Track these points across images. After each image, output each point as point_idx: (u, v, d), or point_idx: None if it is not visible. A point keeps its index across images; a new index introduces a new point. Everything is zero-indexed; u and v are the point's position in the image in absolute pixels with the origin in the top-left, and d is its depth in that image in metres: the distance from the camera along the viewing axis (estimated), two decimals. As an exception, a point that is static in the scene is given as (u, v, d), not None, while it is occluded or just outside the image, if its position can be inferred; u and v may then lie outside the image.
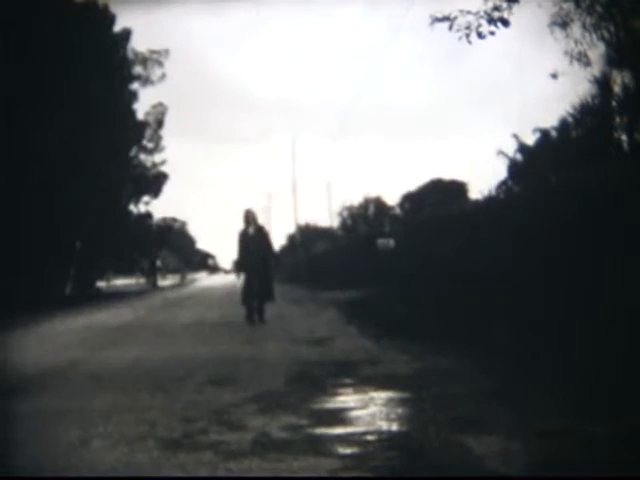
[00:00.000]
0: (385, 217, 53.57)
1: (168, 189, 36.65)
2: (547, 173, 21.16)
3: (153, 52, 33.27)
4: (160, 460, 4.12)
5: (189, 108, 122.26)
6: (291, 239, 66.72)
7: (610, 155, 17.79)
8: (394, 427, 4.81)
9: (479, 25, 9.88)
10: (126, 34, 30.93)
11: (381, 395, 5.85)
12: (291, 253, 60.66)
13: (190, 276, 75.49)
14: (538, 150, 25.62)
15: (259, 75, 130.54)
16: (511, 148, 28.32)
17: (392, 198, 65.40)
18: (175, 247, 67.03)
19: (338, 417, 5.10)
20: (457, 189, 49.05)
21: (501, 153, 28.57)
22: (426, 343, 8.82)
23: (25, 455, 4.33)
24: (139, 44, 32.67)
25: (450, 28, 9.95)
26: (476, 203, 17.41)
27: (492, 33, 9.92)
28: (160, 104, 34.89)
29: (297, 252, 53.90)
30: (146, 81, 33.22)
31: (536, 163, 24.30)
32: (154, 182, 35.45)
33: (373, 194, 63.01)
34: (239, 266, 13.22)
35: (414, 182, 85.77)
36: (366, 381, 6.50)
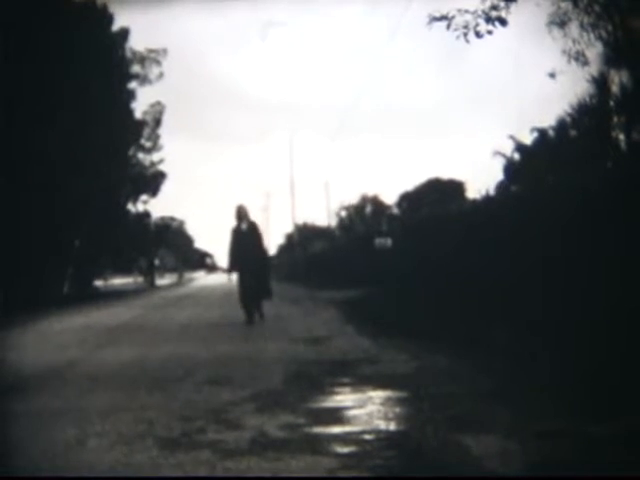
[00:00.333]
0: (383, 216, 53.63)
1: (166, 188, 36.66)
2: (545, 173, 21.19)
3: (151, 51, 33.25)
4: (158, 459, 4.12)
5: (187, 107, 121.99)
6: (289, 238, 66.69)
7: (608, 155, 17.82)
8: (392, 426, 4.81)
9: (477, 24, 9.90)
10: (124, 33, 30.89)
11: (379, 394, 5.85)
12: (289, 252, 60.67)
13: (188, 275, 75.45)
14: (536, 150, 25.66)
15: (257, 74, 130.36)
16: (509, 148, 28.40)
17: (390, 197, 65.57)
18: (173, 246, 67.02)
19: (336, 416, 5.10)
20: (455, 188, 49.13)
21: (497, 153, 28.63)
22: (424, 342, 8.82)
23: (24, 455, 4.33)
24: (137, 43, 32.65)
25: (448, 27, 9.97)
26: (474, 203, 17.44)
27: (490, 32, 9.93)
28: (158, 103, 34.89)
29: (295, 251, 53.89)
30: (144, 80, 33.19)
31: (534, 163, 24.34)
32: (152, 181, 35.42)
33: (371, 193, 63.12)
34: (230, 264, 12.87)
35: (412, 181, 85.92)
36: (364, 380, 6.50)
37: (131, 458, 4.16)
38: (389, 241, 22.05)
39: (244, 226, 12.60)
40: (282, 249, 73.86)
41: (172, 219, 58.52)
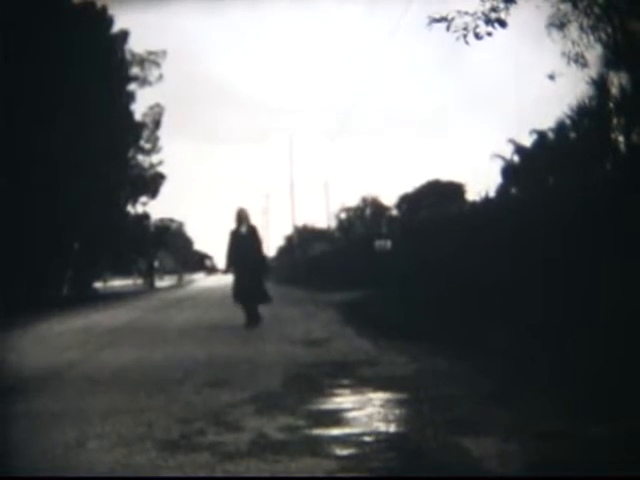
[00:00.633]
0: (382, 218, 53.62)
1: (165, 190, 36.59)
2: (544, 175, 21.19)
3: (150, 53, 33.29)
4: (158, 461, 4.12)
5: (186, 108, 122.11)
6: (288, 240, 66.67)
7: (607, 157, 17.81)
8: (392, 428, 4.81)
9: (476, 26, 9.89)
10: (123, 35, 30.92)
11: (379, 396, 5.85)
12: (288, 254, 60.65)
13: (187, 277, 75.47)
14: (535, 152, 25.66)
15: (257, 76, 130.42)
16: (508, 150, 28.39)
17: (389, 199, 65.53)
18: (172, 248, 66.98)
19: (335, 418, 5.10)
20: (454, 190, 49.08)
21: (496, 156, 28.63)
22: (424, 344, 8.81)
23: (23, 456, 4.33)
24: (136, 45, 32.68)
25: (448, 29, 9.96)
26: (473, 205, 17.43)
27: (489, 34, 9.93)
28: (157, 105, 34.90)
29: (295, 253, 53.87)
30: (143, 82, 33.22)
31: (533, 165, 24.34)
32: (151, 183, 35.41)
33: (370, 195, 63.08)
34: (227, 265, 12.79)
35: (411, 183, 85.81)
36: (364, 382, 6.50)
37: (131, 460, 4.16)
38: (389, 243, 22.06)
39: (243, 229, 12.47)
40: (282, 251, 73.88)
41: (171, 221, 58.48)
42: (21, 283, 23.01)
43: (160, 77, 33.55)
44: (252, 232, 12.66)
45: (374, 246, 22.43)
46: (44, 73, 23.01)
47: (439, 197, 43.43)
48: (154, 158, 35.78)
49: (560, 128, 23.72)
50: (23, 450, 4.45)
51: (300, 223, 63.39)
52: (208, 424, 4.98)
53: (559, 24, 13.33)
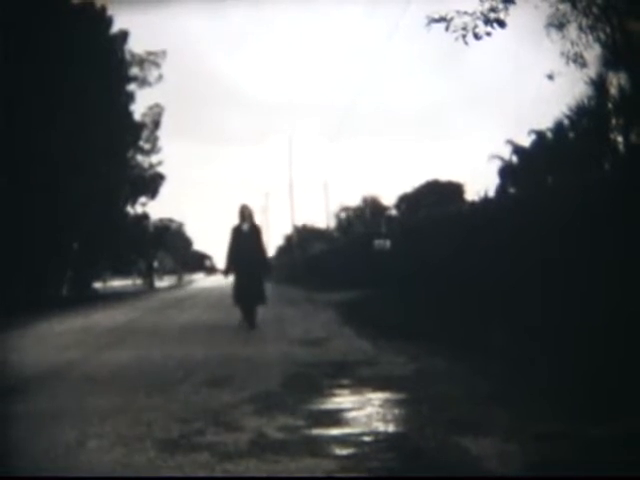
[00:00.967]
0: (382, 218, 53.62)
1: (165, 190, 36.57)
2: (543, 175, 21.22)
3: (150, 53, 33.29)
4: (157, 461, 4.13)
5: (186, 109, 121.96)
6: (288, 240, 66.68)
7: (606, 157, 17.84)
8: (391, 428, 4.81)
9: (475, 26, 9.90)
10: (123, 35, 30.92)
11: (378, 396, 5.85)
12: (288, 254, 60.66)
13: (187, 277, 75.46)
14: (534, 152, 25.70)
15: (256, 76, 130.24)
16: (507, 150, 28.45)
17: (389, 199, 65.55)
18: (172, 248, 66.94)
19: (335, 418, 5.11)
20: (453, 190, 49.11)
21: (495, 157, 28.69)
22: (423, 344, 8.81)
23: (23, 456, 4.33)
24: (136, 45, 32.68)
25: (447, 29, 9.97)
26: (472, 205, 17.45)
27: (488, 34, 9.94)
28: (157, 105, 34.90)
29: (294, 253, 53.88)
30: (143, 82, 33.22)
31: (532, 165, 24.37)
32: (151, 183, 35.40)
33: (370, 195, 63.10)
34: (227, 265, 12.49)
35: (410, 183, 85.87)
36: (363, 382, 6.50)
37: (130, 459, 4.17)
38: (388, 243, 22.06)
39: (245, 227, 12.24)
40: (281, 250, 73.85)
41: (171, 221, 58.39)
42: (20, 283, 23.00)
43: (160, 77, 33.60)
44: (255, 231, 12.44)
45: (373, 246, 22.43)
46: (44, 73, 23.01)
47: (438, 197, 43.47)
48: (153, 158, 35.81)
49: (559, 128, 23.77)
50: (23, 450, 4.46)
51: (300, 223, 63.52)
52: (207, 424, 4.99)
53: (558, 24, 13.33)
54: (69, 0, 26.13)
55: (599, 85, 18.45)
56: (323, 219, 75.30)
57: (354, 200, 64.61)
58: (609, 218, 8.20)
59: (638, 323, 6.74)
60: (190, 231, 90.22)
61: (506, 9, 10.01)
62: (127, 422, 5.10)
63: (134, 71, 32.88)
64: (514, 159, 28.30)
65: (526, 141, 27.14)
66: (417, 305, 13.40)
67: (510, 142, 28.05)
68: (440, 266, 13.83)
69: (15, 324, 14.01)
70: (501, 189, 27.04)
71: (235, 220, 12.38)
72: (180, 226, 72.56)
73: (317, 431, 4.74)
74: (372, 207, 62.28)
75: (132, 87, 32.75)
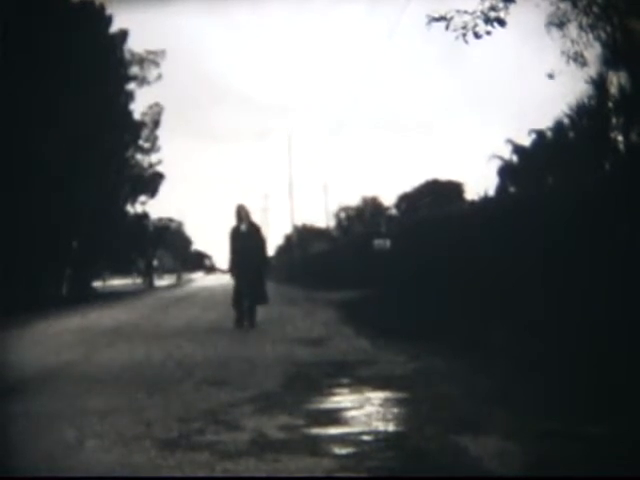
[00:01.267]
0: (381, 218, 53.61)
1: (164, 189, 36.56)
2: (543, 175, 21.22)
3: (149, 52, 33.26)
4: (157, 460, 4.12)
5: (186, 108, 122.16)
6: (288, 239, 66.68)
7: (606, 156, 17.83)
8: (390, 427, 4.80)
9: (475, 25, 9.89)
10: (123, 34, 30.90)
11: (378, 395, 5.84)
12: (288, 254, 60.66)
13: (186, 276, 75.43)
14: (534, 151, 25.70)
15: (256, 75, 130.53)
16: (507, 150, 28.45)
17: (388, 198, 65.55)
18: (171, 247, 67.02)
19: (334, 417, 5.10)
20: (453, 190, 49.13)
21: (495, 156, 28.68)
22: (423, 344, 8.81)
23: (23, 456, 4.32)
24: (135, 44, 32.66)
25: (447, 28, 9.96)
26: (472, 204, 17.44)
27: (488, 33, 9.93)
28: (156, 104, 34.86)
29: (294, 253, 53.89)
30: (142, 81, 33.20)
31: (532, 165, 24.36)
32: (151, 182, 35.38)
33: (369, 194, 63.12)
34: (231, 266, 12.49)
35: (410, 183, 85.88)
36: (362, 381, 6.50)
37: (130, 459, 4.16)
38: (388, 242, 22.04)
39: (244, 227, 12.26)
40: (281, 250, 73.85)
41: (170, 220, 58.43)
42: (19, 282, 22.97)
43: (159, 77, 33.56)
44: (254, 230, 12.46)
45: (373, 245, 22.41)
46: (43, 72, 22.99)
47: (438, 196, 43.46)
48: (153, 157, 35.79)
49: (559, 127, 23.76)
50: (23, 450, 4.45)
51: (299, 222, 63.51)
52: (207, 423, 4.98)
53: (558, 23, 13.33)
54: (68, -1, 26.12)
55: (599, 84, 18.44)
56: (323, 219, 75.26)
57: (354, 200, 64.62)
58: (609, 217, 8.19)
59: (639, 321, 6.73)
60: (190, 230, 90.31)
61: (506, 8, 10.01)
62: (127, 422, 5.09)
63: (134, 70, 32.87)
64: (514, 159, 28.29)
65: (526, 140, 27.14)
66: (417, 304, 13.40)
67: (510, 141, 28.05)
68: (440, 265, 13.82)
69: (14, 323, 13.99)
70: (501, 189, 27.04)
71: (234, 221, 12.41)
72: (180, 225, 72.62)
73: (317, 430, 4.74)
74: (372, 207, 62.27)
75: (132, 86, 32.75)
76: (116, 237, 31.23)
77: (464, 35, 9.92)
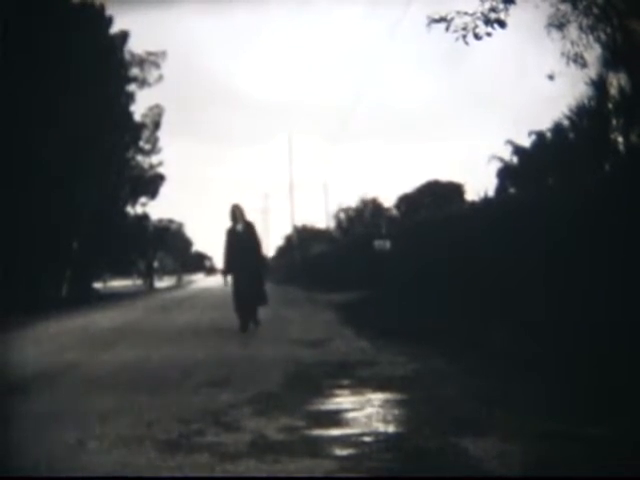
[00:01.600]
0: (382, 218, 53.62)
1: (165, 190, 36.63)
2: (543, 176, 21.22)
3: (150, 54, 33.28)
4: (157, 461, 4.12)
5: (186, 109, 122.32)
6: (288, 240, 66.68)
7: (606, 157, 17.83)
8: (391, 429, 4.80)
9: (476, 26, 9.90)
10: (123, 36, 30.94)
11: (378, 396, 5.84)
12: (288, 254, 60.67)
13: (187, 278, 75.46)
14: (534, 153, 25.69)
15: (257, 76, 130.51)
16: (507, 151, 28.44)
17: (388, 199, 65.57)
18: (172, 249, 67.06)
19: (335, 418, 5.10)
20: (454, 191, 49.13)
21: (494, 158, 28.68)
22: (423, 345, 8.81)
23: (23, 456, 4.32)
24: (136, 45, 32.69)
25: (447, 29, 9.96)
26: (473, 205, 17.44)
27: (489, 34, 9.94)
28: (157, 106, 34.91)
29: (294, 253, 53.88)
30: (143, 83, 33.22)
31: (532, 166, 24.36)
32: (151, 183, 35.41)
33: (370, 195, 63.12)
34: (225, 267, 12.29)
35: (410, 184, 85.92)
36: (363, 382, 6.50)
37: (130, 460, 4.16)
38: (388, 243, 22.03)
39: (240, 227, 12.09)
40: (281, 251, 73.89)
41: (171, 221, 58.65)
42: (20, 283, 22.98)
43: (160, 78, 33.59)
44: (249, 230, 12.27)
45: (373, 246, 22.40)
46: (43, 73, 23.00)
47: (438, 197, 43.48)
48: (154, 159, 35.84)
49: (559, 129, 23.75)
50: (23, 450, 4.45)
51: (299, 223, 63.49)
52: (207, 424, 4.98)
53: (558, 24, 13.32)
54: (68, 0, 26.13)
55: (599, 85, 18.44)
56: (323, 219, 75.30)
57: (354, 200, 64.59)
58: (610, 218, 8.19)
59: (639, 322, 6.73)
60: (190, 231, 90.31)
61: (506, 9, 10.01)
62: (127, 422, 5.09)
63: (134, 71, 32.90)
64: (514, 160, 28.29)
65: (526, 141, 27.14)
66: (417, 305, 13.40)
67: (510, 142, 28.04)
68: (440, 266, 13.82)
69: (14, 324, 14.01)
70: (501, 190, 27.04)
71: (229, 221, 12.24)
72: (180, 226, 72.80)
73: (317, 432, 4.74)
74: (372, 207, 62.27)
75: (132, 87, 32.78)
76: (116, 238, 31.26)
77: (464, 36, 9.93)
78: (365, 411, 5.31)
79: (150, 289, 43.88)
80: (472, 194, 37.15)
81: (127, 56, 32.12)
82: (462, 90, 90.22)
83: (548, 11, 13.06)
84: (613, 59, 15.50)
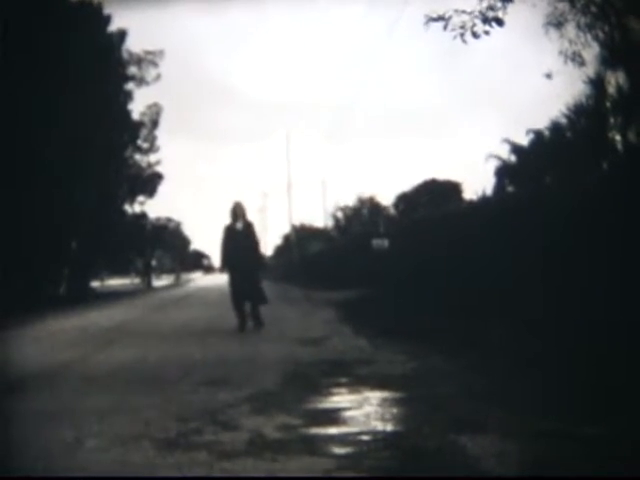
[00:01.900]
0: (379, 217, 53.63)
1: (163, 189, 36.54)
2: (541, 174, 21.23)
3: (148, 53, 33.24)
4: (155, 460, 4.12)
5: (184, 107, 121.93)
6: (286, 239, 66.66)
7: (604, 156, 17.85)
8: (389, 427, 4.80)
9: (474, 25, 9.88)
10: (121, 34, 30.90)
11: (376, 395, 5.84)
12: (286, 253, 60.67)
13: (185, 276, 75.40)
14: (532, 151, 25.71)
15: (255, 74, 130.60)
16: (504, 150, 28.45)
17: (386, 198, 65.57)
18: (170, 247, 66.93)
19: (333, 417, 5.10)
20: (452, 189, 49.17)
21: (492, 156, 28.69)
22: (421, 343, 8.81)
23: (21, 455, 4.32)
24: (134, 44, 32.65)
25: (445, 28, 9.95)
26: (471, 203, 17.45)
27: (487, 33, 9.92)
28: (155, 104, 34.84)
29: (292, 252, 53.87)
30: (141, 81, 33.18)
31: (530, 164, 24.37)
32: (149, 182, 35.35)
33: (367, 194, 63.08)
34: (222, 263, 12.19)
35: (408, 182, 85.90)
36: (361, 381, 6.50)
37: (128, 459, 4.16)
38: (386, 242, 22.03)
39: (239, 225, 11.99)
40: (279, 250, 73.89)
41: (169, 220, 58.40)
42: (18, 282, 22.97)
43: (158, 77, 33.53)
44: (248, 229, 12.16)
45: (371, 245, 22.40)
46: (41, 72, 22.96)
47: (436, 196, 43.50)
48: (152, 157, 35.73)
49: (557, 127, 23.77)
50: (21, 450, 4.44)
51: (297, 222, 63.46)
52: (205, 423, 4.98)
53: (556, 23, 13.34)
54: (66, -2, 26.10)
55: (597, 84, 18.46)
56: (321, 218, 75.27)
57: (352, 199, 64.56)
58: (608, 216, 8.19)
59: (638, 321, 6.74)
60: (188, 230, 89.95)
61: (504, 8, 9.99)
62: (125, 421, 5.09)
63: (132, 70, 32.84)
64: (512, 158, 28.30)
65: (524, 140, 27.15)
66: (415, 304, 13.40)
67: (508, 141, 28.06)
68: (438, 264, 13.83)
69: (13, 323, 13.98)
70: (499, 188, 27.06)
71: (228, 218, 12.14)
72: (178, 225, 72.57)
73: (315, 430, 4.74)
74: (370, 206, 62.25)
75: (130, 86, 32.73)
76: (114, 237, 31.21)
77: (462, 35, 9.90)
78: (363, 410, 5.31)
79: (148, 288, 43.82)
80: (470, 193, 37.23)
81: (125, 55, 32.08)
82: (460, 89, 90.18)
83: (546, 9, 13.09)
84: (611, 57, 15.51)
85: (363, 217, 60.32)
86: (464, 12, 9.92)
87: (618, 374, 5.68)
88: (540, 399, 5.38)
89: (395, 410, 5.37)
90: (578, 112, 21.44)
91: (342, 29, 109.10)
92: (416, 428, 4.67)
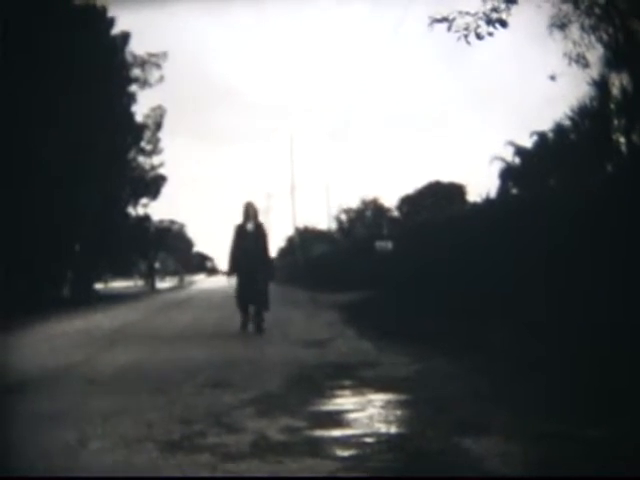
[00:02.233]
0: (383, 219, 53.61)
1: (166, 191, 36.58)
2: (545, 176, 21.20)
3: (151, 55, 33.28)
4: (159, 462, 4.11)
5: (188, 109, 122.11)
6: (290, 241, 66.64)
7: (609, 158, 17.82)
8: (392, 429, 4.79)
9: (477, 26, 9.89)
10: (125, 37, 30.97)
11: (380, 397, 5.83)
12: (290, 255, 60.64)
13: (188, 278, 75.44)
14: (536, 153, 25.67)
15: (258, 76, 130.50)
16: (508, 152, 28.41)
17: (390, 200, 65.51)
18: (173, 249, 67.04)
19: (336, 419, 5.09)
20: (455, 191, 49.15)
21: (496, 159, 28.66)
22: (425, 345, 8.80)
23: (23, 456, 4.31)
24: (137, 46, 32.70)
25: (449, 29, 9.96)
26: (475, 205, 17.43)
27: (490, 34, 9.93)
28: (159, 107, 34.91)
29: (296, 254, 53.86)
30: (144, 84, 33.23)
31: (534, 166, 24.34)
32: (152, 184, 35.38)
33: (371, 196, 63.09)
34: (230, 266, 11.89)
35: (412, 184, 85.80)
36: (365, 383, 6.49)
37: (131, 460, 4.15)
38: (390, 244, 22.02)
39: (250, 226, 11.70)
40: (283, 252, 73.83)
41: (172, 222, 58.61)
42: (21, 284, 23.00)
43: (161, 79, 33.58)
44: (259, 230, 11.87)
45: (375, 247, 22.40)
46: (44, 74, 23.00)
47: (440, 198, 43.48)
48: (155, 159, 35.79)
49: (561, 129, 23.74)
50: (23, 451, 4.44)
51: (301, 224, 63.43)
52: (209, 425, 4.97)
53: (560, 24, 13.33)
54: (70, 0, 26.13)
55: (601, 86, 18.42)
56: (324, 220, 75.34)
57: (356, 201, 64.57)
58: (612, 219, 8.18)
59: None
60: (191, 232, 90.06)
61: (508, 9, 10.01)
62: (128, 423, 5.09)
63: (135, 72, 32.90)
64: (516, 160, 28.26)
65: (528, 142, 27.12)
66: (419, 306, 13.38)
67: (512, 143, 28.03)
68: (442, 267, 13.80)
69: (16, 325, 13.99)
70: (503, 190, 27.02)
71: (238, 219, 11.88)
72: (181, 227, 72.79)
73: (319, 432, 4.73)
74: (374, 208, 62.25)
75: (133, 88, 32.79)
76: (118, 239, 31.23)
77: (466, 36, 9.92)
78: (367, 412, 5.30)
79: (151, 290, 43.87)
80: (474, 195, 37.18)
81: (128, 57, 32.14)
82: (464, 90, 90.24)
83: (550, 11, 13.08)
84: (615, 59, 15.49)
85: (367, 219, 60.33)
86: (468, 13, 9.94)
87: (620, 376, 5.67)
88: (543, 401, 5.37)
89: (399, 412, 5.37)
90: (582, 114, 21.41)
91: (346, 31, 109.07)
92: (420, 430, 4.66)
